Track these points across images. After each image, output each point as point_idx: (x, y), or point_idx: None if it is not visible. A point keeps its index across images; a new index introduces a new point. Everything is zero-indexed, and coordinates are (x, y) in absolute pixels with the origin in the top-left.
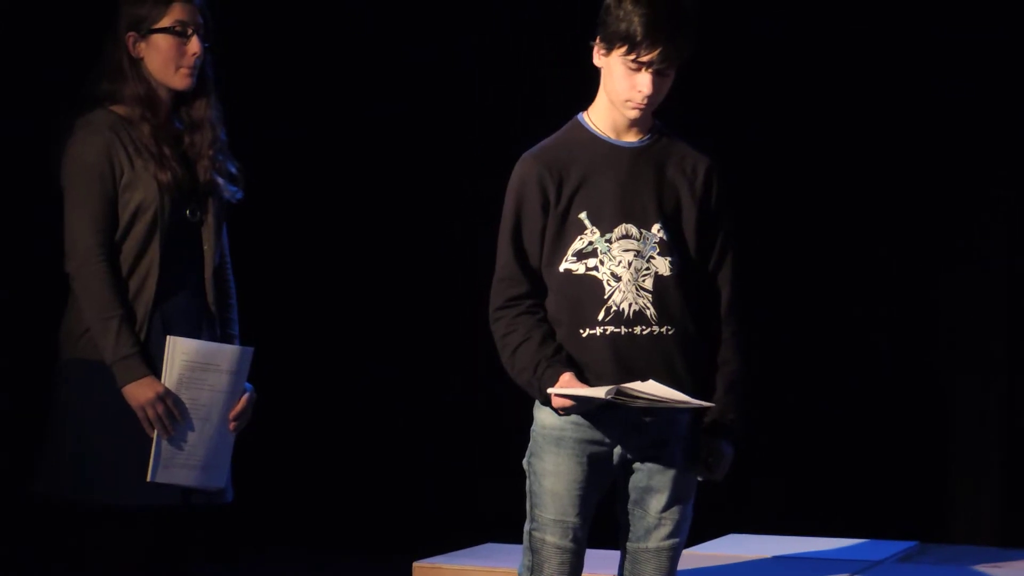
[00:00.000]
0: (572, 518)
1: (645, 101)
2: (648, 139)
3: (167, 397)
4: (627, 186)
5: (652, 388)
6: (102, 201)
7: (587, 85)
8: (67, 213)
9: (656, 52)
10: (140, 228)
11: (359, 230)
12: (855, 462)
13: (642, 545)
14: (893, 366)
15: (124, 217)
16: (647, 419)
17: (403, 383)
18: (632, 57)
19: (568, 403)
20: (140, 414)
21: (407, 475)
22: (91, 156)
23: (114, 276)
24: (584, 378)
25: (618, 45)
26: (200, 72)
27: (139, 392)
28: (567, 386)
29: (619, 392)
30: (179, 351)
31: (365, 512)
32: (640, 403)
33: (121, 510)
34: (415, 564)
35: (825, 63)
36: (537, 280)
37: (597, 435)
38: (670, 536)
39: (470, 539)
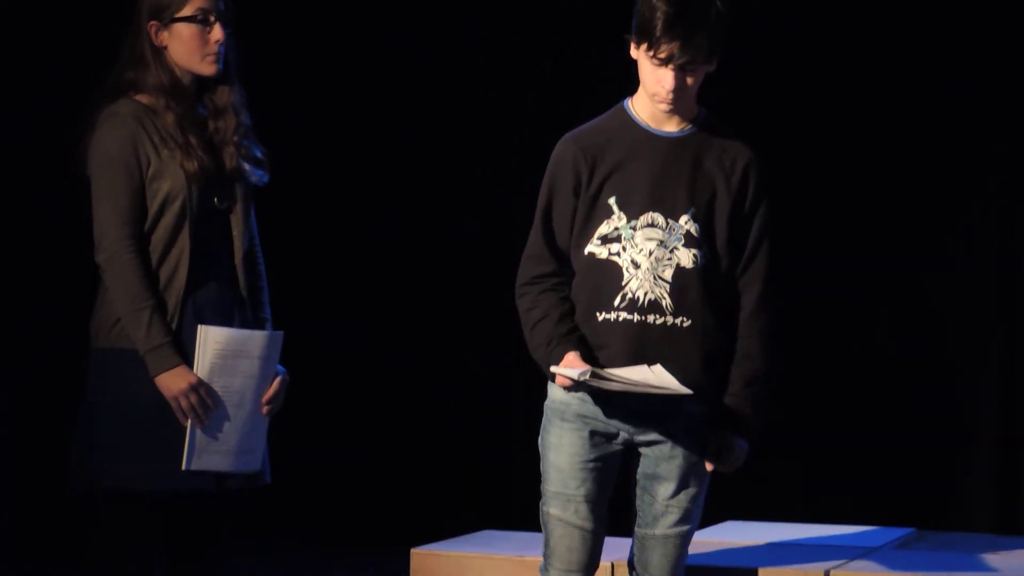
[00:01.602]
0: (573, 491)
1: (670, 96)
2: (689, 130)
3: (200, 386)
4: (660, 175)
5: (634, 373)
6: (129, 192)
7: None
8: (95, 205)
9: (673, 49)
10: (169, 218)
11: (369, 226)
12: (853, 449)
13: (649, 531)
14: (891, 354)
15: (152, 207)
16: (636, 407)
17: (400, 370)
18: (651, 53)
19: (568, 381)
20: (173, 404)
21: (405, 462)
22: (117, 147)
23: (144, 266)
24: (595, 360)
25: (642, 40)
26: (223, 59)
27: (172, 382)
28: (570, 365)
29: (594, 375)
30: (211, 340)
31: (363, 499)
32: (615, 387)
33: (154, 497)
34: (413, 551)
35: (827, 60)
36: (565, 260)
37: (602, 414)
38: (677, 524)
39: (468, 526)
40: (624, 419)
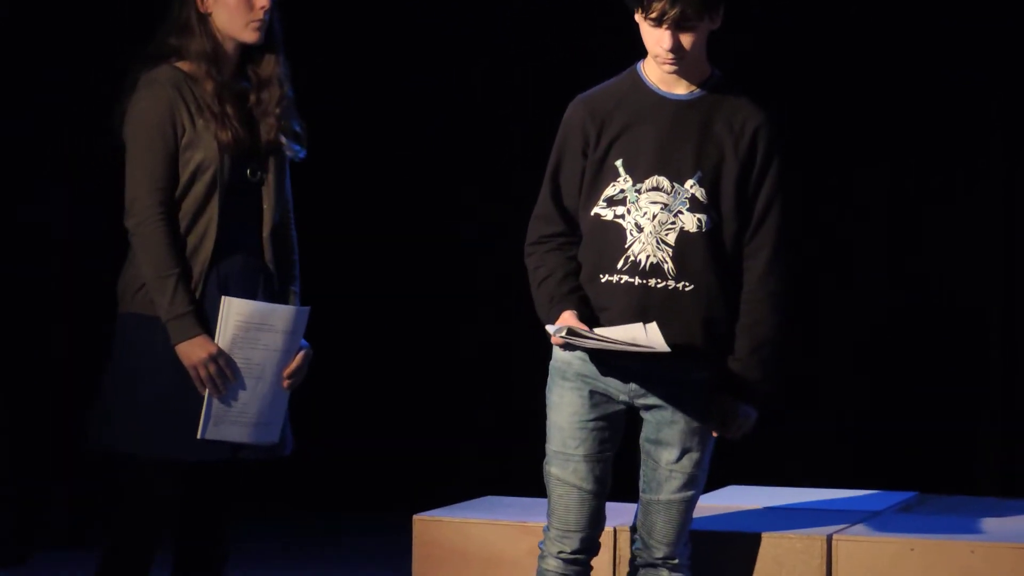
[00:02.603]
0: (572, 450)
1: (670, 56)
2: (699, 92)
3: (219, 357)
4: (667, 139)
5: (623, 332)
6: (163, 158)
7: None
8: (128, 168)
9: (664, 6)
10: (200, 187)
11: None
12: (856, 413)
13: (653, 497)
14: (893, 318)
15: (184, 176)
16: (636, 369)
17: (404, 337)
18: (644, 14)
19: (560, 340)
20: (192, 373)
21: (407, 429)
22: (153, 114)
23: (173, 234)
24: (596, 320)
25: (635, 3)
26: (268, 28)
27: (192, 351)
28: (565, 323)
29: (570, 332)
30: (233, 311)
31: (365, 466)
32: (588, 344)
33: (170, 464)
34: (415, 517)
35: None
36: (573, 221)
37: (601, 377)
38: (681, 489)
39: (470, 492)
40: (625, 380)
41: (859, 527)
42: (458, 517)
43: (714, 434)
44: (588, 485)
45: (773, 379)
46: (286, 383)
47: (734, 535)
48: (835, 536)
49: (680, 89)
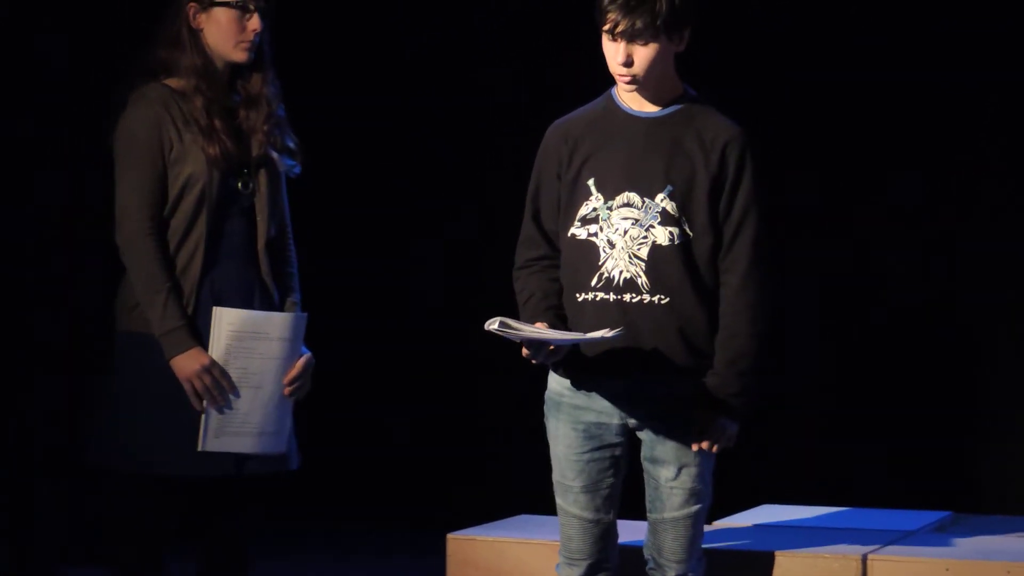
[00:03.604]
0: (571, 481)
1: (625, 72)
2: (670, 110)
3: (213, 368)
4: (637, 156)
5: (548, 333)
6: (151, 176)
7: None
8: (117, 184)
9: (616, 19)
10: (189, 202)
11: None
12: (890, 432)
13: (658, 516)
14: (927, 337)
15: (173, 191)
16: (620, 390)
17: (438, 355)
18: (602, 28)
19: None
20: (187, 386)
21: (441, 447)
22: (141, 130)
23: (162, 249)
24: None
25: (596, 17)
26: (258, 48)
27: (186, 364)
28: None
29: (503, 324)
30: (225, 322)
31: (400, 484)
32: (523, 335)
33: (171, 480)
34: (449, 535)
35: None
36: (555, 243)
37: (592, 403)
38: (684, 505)
39: (504, 511)
40: (615, 404)
41: (894, 547)
42: (492, 536)
43: (694, 448)
44: (589, 514)
45: (751, 392)
46: (287, 391)
47: (769, 555)
48: (870, 556)
49: (650, 108)
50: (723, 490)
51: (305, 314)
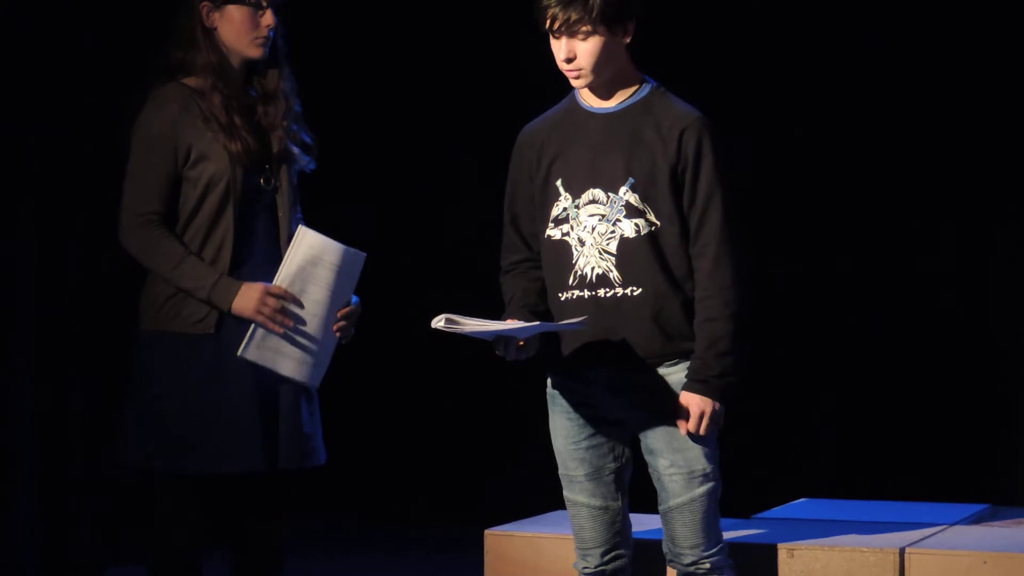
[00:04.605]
0: (574, 471)
1: (570, 68)
2: (628, 102)
3: (272, 291)
4: (598, 151)
5: (485, 323)
6: (160, 174)
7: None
8: (124, 183)
9: (553, 13)
10: (213, 199)
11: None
12: (927, 425)
13: (665, 506)
14: (964, 331)
15: (196, 190)
16: (605, 381)
17: (472, 349)
18: (542, 26)
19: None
20: (259, 319)
21: (477, 442)
22: (155, 130)
23: (168, 233)
24: (565, 334)
25: (537, 16)
26: (272, 44)
27: (245, 303)
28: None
29: (448, 320)
30: (306, 243)
31: (437, 480)
32: (467, 329)
33: (200, 478)
34: (487, 531)
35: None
36: (534, 244)
37: (584, 395)
38: (686, 490)
39: (541, 507)
40: (603, 398)
41: (932, 540)
42: (529, 532)
43: (682, 431)
44: (596, 501)
45: (731, 373)
46: (337, 327)
47: (806, 548)
48: (908, 549)
49: (610, 103)
50: (761, 484)
51: (364, 254)
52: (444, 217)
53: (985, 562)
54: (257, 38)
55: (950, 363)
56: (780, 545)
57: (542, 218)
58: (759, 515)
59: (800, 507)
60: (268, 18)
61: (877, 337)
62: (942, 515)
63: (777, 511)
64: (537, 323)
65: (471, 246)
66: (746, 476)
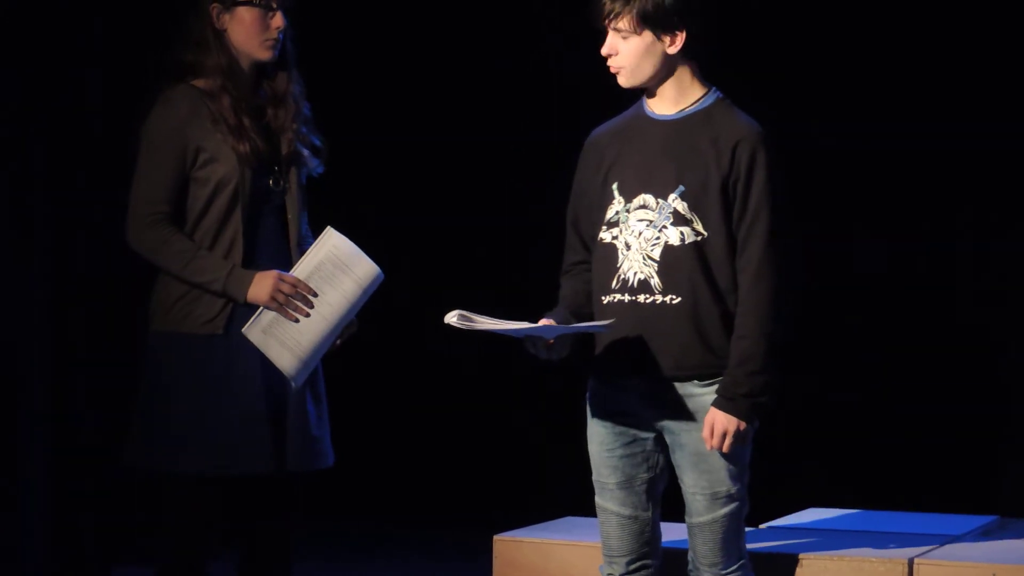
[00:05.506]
0: (606, 479)
1: (611, 65)
2: (689, 111)
3: (285, 278)
4: (653, 158)
5: (499, 323)
6: (168, 175)
7: None
8: (133, 183)
9: (602, 6)
10: (222, 201)
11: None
12: (937, 436)
13: (690, 520)
14: (976, 342)
15: (205, 192)
16: (642, 391)
17: (479, 357)
18: (595, 20)
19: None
20: (273, 306)
21: (487, 447)
22: (164, 132)
23: (177, 231)
24: (601, 340)
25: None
26: (281, 47)
27: (259, 290)
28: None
29: (462, 317)
30: (331, 243)
31: (445, 486)
32: (480, 327)
33: (207, 479)
34: (496, 537)
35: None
36: (592, 247)
37: (621, 401)
38: (708, 510)
39: (550, 513)
40: (638, 407)
41: (940, 551)
42: (538, 538)
43: (708, 448)
44: (626, 510)
45: (761, 393)
46: (338, 339)
47: (815, 558)
48: (916, 560)
49: (672, 111)
50: (770, 493)
51: (383, 275)
52: (460, 216)
53: (994, 574)
54: (267, 40)
55: (961, 374)
56: (788, 554)
57: (598, 220)
58: (769, 524)
59: (809, 516)
60: (278, 20)
61: (889, 346)
62: (951, 526)
63: (786, 520)
64: (553, 324)
65: (485, 247)
66: (756, 485)
